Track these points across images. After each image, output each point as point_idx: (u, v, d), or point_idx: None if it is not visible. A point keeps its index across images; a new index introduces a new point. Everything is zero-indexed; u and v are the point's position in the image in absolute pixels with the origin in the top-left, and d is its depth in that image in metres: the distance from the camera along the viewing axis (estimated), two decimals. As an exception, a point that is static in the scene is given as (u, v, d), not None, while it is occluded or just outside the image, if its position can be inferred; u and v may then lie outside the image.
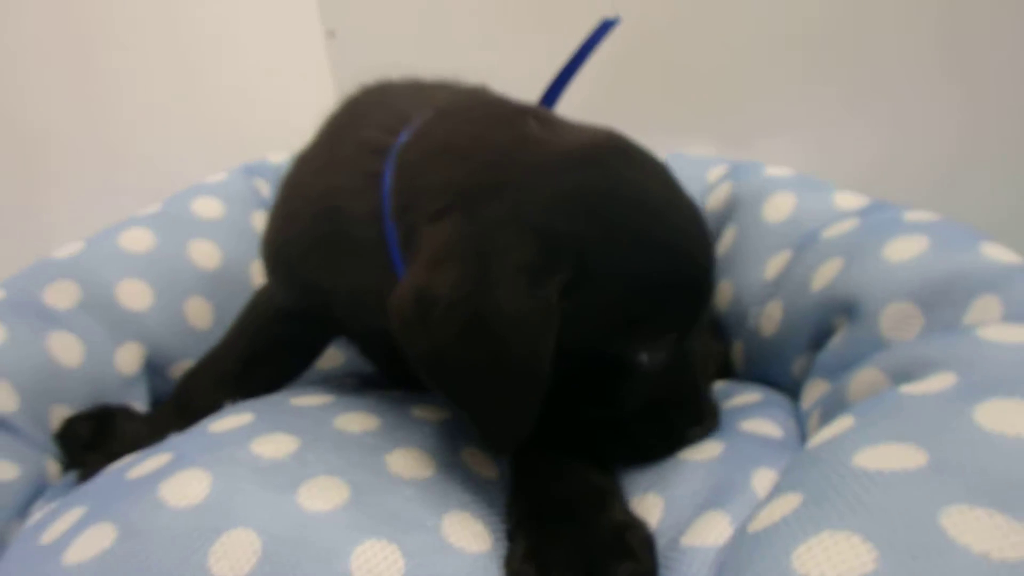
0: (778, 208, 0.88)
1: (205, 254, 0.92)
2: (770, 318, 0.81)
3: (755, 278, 0.86)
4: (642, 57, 1.26)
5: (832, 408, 0.63)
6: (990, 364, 0.49)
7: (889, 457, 0.43)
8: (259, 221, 1.04)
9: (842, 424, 0.50)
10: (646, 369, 0.56)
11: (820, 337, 0.75)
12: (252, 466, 0.49)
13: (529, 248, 0.49)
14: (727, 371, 0.86)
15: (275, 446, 0.52)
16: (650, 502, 0.56)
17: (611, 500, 0.54)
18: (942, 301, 0.64)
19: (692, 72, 1.29)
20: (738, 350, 0.86)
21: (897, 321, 0.66)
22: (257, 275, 0.97)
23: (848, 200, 0.84)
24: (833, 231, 0.79)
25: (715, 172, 1.01)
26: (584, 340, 0.52)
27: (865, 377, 0.59)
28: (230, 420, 0.56)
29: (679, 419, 0.61)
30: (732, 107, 1.28)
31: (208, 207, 0.98)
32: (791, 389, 0.78)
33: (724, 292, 0.89)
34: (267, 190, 1.10)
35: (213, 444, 0.52)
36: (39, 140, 1.24)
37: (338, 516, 0.47)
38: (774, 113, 1.25)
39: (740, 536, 0.46)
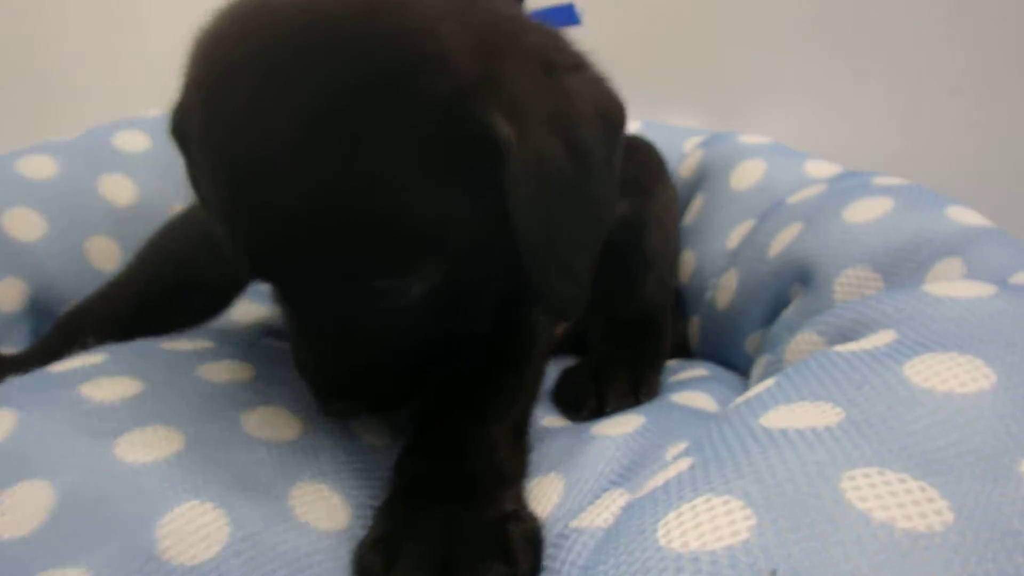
0: (747, 175, 0.81)
1: (118, 189, 0.85)
2: (726, 289, 0.74)
3: (717, 248, 0.79)
4: (628, 24, 1.19)
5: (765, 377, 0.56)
6: (933, 319, 0.42)
7: (800, 416, 0.36)
8: None
9: (761, 386, 0.43)
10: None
11: (776, 310, 0.67)
12: (74, 409, 0.43)
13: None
14: (682, 350, 0.79)
15: (111, 389, 0.46)
16: (550, 484, 0.49)
17: (502, 486, 0.46)
18: (903, 265, 0.57)
19: (678, 41, 1.22)
20: (695, 325, 0.79)
21: (853, 288, 0.59)
22: None
23: (820, 168, 0.77)
24: (798, 197, 0.72)
25: (692, 142, 0.94)
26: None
27: (802, 341, 0.52)
28: (78, 360, 0.50)
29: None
30: (718, 78, 1.20)
31: (131, 140, 0.91)
32: (745, 369, 0.71)
33: (687, 263, 0.82)
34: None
35: (41, 384, 0.46)
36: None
37: (159, 471, 0.41)
38: (762, 85, 1.17)
39: (623, 508, 0.40)
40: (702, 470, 0.35)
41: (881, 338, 0.43)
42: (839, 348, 0.44)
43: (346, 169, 0.39)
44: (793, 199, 0.72)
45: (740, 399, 0.44)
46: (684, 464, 0.38)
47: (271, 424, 0.47)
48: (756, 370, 0.65)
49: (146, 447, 0.42)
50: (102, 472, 0.40)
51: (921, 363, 0.38)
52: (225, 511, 0.40)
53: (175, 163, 0.92)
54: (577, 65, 0.49)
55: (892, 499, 0.30)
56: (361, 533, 0.44)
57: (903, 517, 0.29)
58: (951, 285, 0.46)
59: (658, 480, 0.38)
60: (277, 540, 0.40)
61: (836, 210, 0.64)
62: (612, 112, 0.49)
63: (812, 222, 0.65)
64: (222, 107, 0.41)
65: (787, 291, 0.66)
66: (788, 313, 0.64)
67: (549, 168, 0.43)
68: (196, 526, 0.38)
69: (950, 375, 0.36)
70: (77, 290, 0.73)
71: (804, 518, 0.30)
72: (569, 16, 0.58)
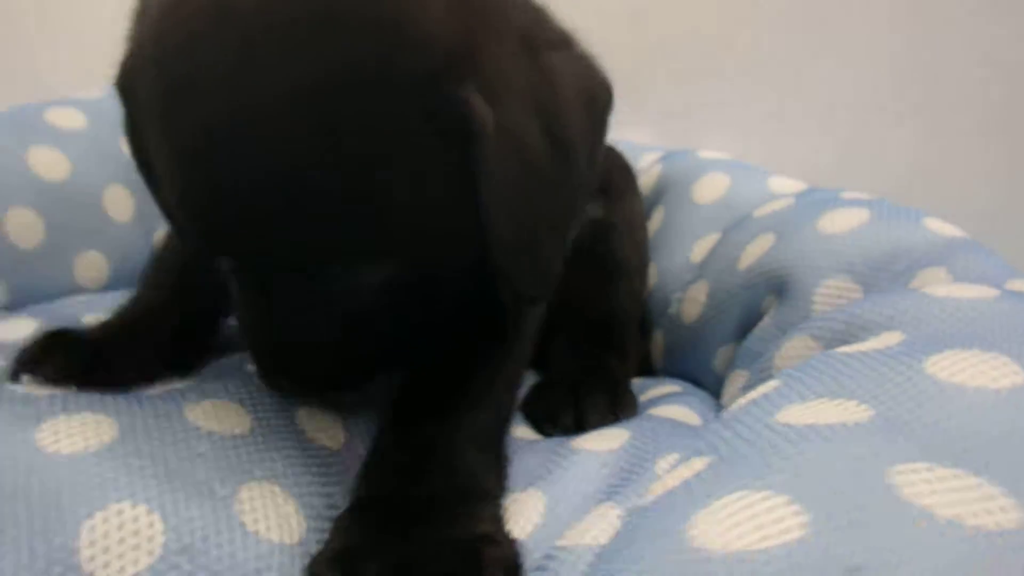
0: (710, 189, 0.80)
1: (48, 163, 0.79)
2: (694, 301, 0.71)
3: (680, 261, 0.77)
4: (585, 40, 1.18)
5: (753, 386, 0.53)
6: (941, 319, 0.41)
7: (823, 413, 0.33)
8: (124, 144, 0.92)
9: (765, 388, 0.40)
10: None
11: (747, 324, 0.66)
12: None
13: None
14: (645, 367, 0.76)
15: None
16: (529, 500, 0.44)
17: (477, 503, 0.41)
18: (882, 274, 0.56)
19: (634, 60, 1.22)
20: (658, 341, 0.77)
21: (832, 299, 0.58)
22: (111, 203, 0.86)
23: (784, 184, 0.77)
24: (765, 210, 0.71)
25: (648, 157, 0.93)
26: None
27: (794, 347, 0.50)
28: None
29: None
30: (674, 98, 1.21)
31: (67, 117, 0.85)
32: (712, 387, 0.68)
33: (652, 276, 0.79)
34: None
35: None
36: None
37: (86, 465, 0.34)
38: (717, 104, 1.19)
39: (627, 516, 0.36)
40: (727, 467, 0.32)
41: (888, 338, 0.41)
42: (845, 349, 0.42)
43: (324, 141, 0.36)
44: (760, 212, 0.71)
45: (743, 401, 0.41)
46: (698, 464, 0.34)
47: (217, 416, 0.42)
48: (732, 384, 0.63)
49: (72, 437, 0.35)
50: (18, 464, 0.33)
51: (944, 360, 0.36)
52: (159, 515, 0.34)
53: (115, 151, 0.87)
54: (561, 42, 0.47)
55: (953, 495, 0.27)
56: (316, 548, 0.38)
57: (970, 514, 0.26)
58: (950, 287, 0.45)
59: (667, 484, 0.35)
60: (222, 550, 0.34)
61: (810, 221, 0.63)
62: (597, 92, 0.47)
63: (785, 234, 0.64)
64: (192, 69, 0.37)
65: (759, 304, 0.64)
66: (764, 325, 0.62)
67: (527, 153, 0.40)
68: (125, 532, 0.32)
69: (977, 371, 0.34)
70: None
71: (861, 514, 0.26)
72: None
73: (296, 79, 0.35)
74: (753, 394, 0.41)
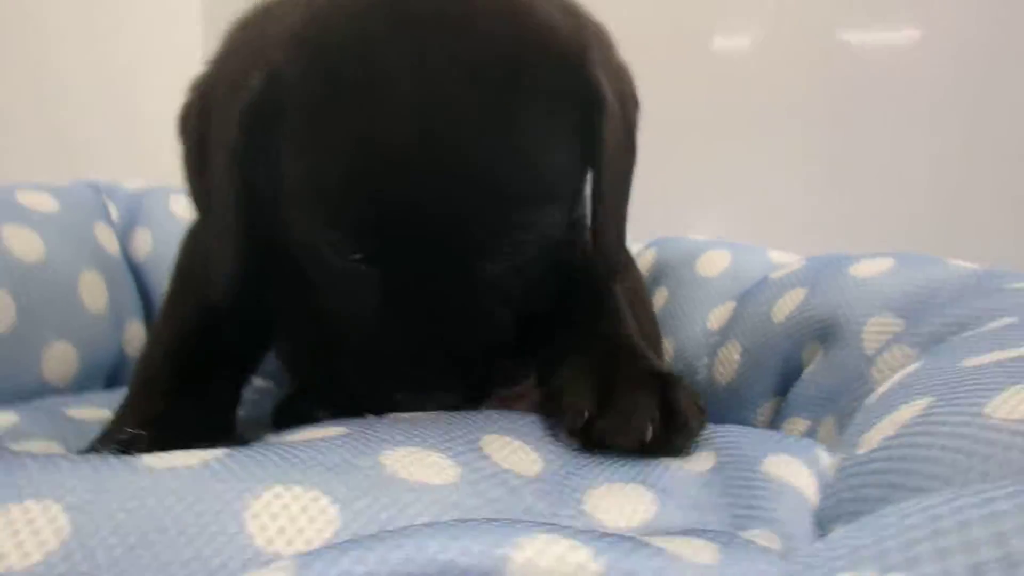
0: (713, 263, 0.84)
1: (23, 243, 0.75)
2: (727, 363, 0.73)
3: (698, 331, 0.79)
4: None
5: (848, 414, 0.54)
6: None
7: None
8: (103, 236, 0.86)
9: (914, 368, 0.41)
10: (339, 275, 0.44)
11: (788, 375, 0.68)
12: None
13: (244, 67, 0.44)
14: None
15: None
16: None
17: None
18: (924, 307, 0.60)
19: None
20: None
21: (880, 335, 0.61)
22: (86, 290, 0.81)
23: (784, 256, 0.83)
24: (780, 274, 0.76)
25: (635, 247, 0.98)
26: (270, 186, 0.44)
27: (892, 359, 0.52)
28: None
29: (383, 373, 0.45)
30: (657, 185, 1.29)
31: (38, 200, 0.81)
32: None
33: (666, 350, 0.81)
34: (116, 213, 0.94)
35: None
36: None
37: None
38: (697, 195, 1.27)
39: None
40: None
41: (999, 323, 0.45)
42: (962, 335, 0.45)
43: (505, 121, 0.40)
44: (776, 275, 0.76)
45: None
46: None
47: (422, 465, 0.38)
48: (823, 428, 0.63)
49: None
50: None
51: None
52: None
53: (88, 238, 0.82)
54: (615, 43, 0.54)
55: None
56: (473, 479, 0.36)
57: None
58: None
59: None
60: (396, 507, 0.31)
61: (841, 271, 0.68)
62: (636, 92, 0.55)
63: (818, 285, 0.68)
64: (365, 79, 0.40)
65: (799, 353, 0.67)
66: (814, 372, 0.64)
67: (621, 131, 0.48)
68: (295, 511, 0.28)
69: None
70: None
71: None
72: None
73: (478, 75, 0.40)
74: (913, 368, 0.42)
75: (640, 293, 0.78)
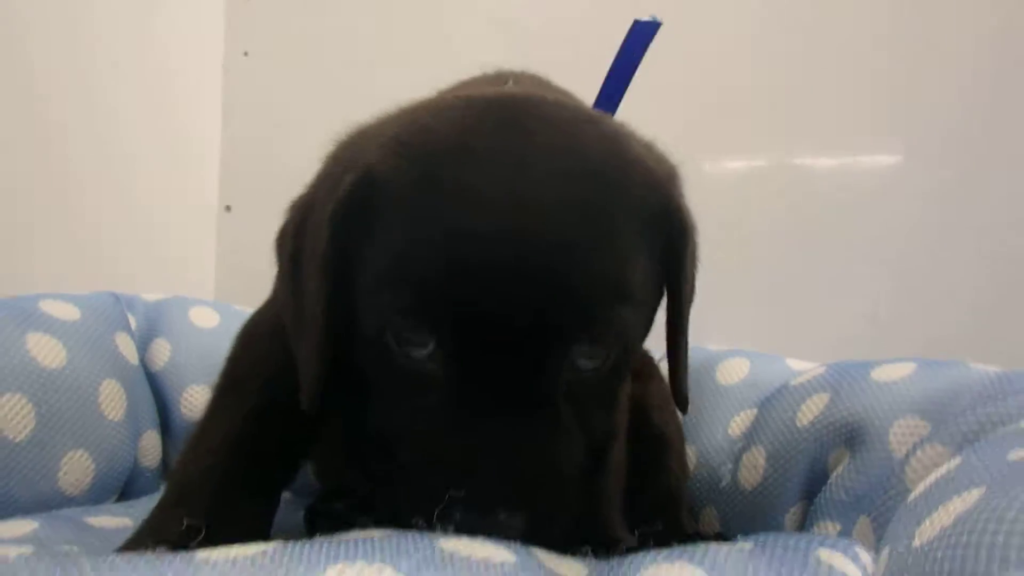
0: (732, 372, 0.85)
1: (46, 350, 0.76)
2: (752, 468, 0.73)
3: (720, 438, 0.79)
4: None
5: (883, 514, 0.54)
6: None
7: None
8: (124, 345, 0.87)
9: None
10: (403, 373, 0.43)
11: (814, 478, 0.68)
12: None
13: (339, 166, 0.47)
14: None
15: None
16: None
17: None
18: (948, 409, 0.61)
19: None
20: (711, 516, 0.76)
21: (906, 437, 0.62)
22: (106, 398, 0.81)
23: (802, 364, 0.84)
24: (801, 380, 0.77)
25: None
26: (352, 287, 0.44)
27: (925, 457, 0.52)
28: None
29: (432, 484, 0.40)
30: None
31: (62, 310, 0.83)
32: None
33: (689, 457, 0.80)
34: (135, 323, 0.95)
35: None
36: None
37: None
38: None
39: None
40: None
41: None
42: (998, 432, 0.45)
43: (593, 234, 0.42)
44: (796, 382, 0.77)
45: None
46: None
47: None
48: (857, 529, 0.62)
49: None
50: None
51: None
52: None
53: (109, 347, 0.83)
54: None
55: None
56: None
57: None
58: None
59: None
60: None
61: (863, 376, 0.69)
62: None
63: (841, 390, 0.69)
64: (462, 173, 0.42)
65: (826, 456, 0.67)
66: (842, 475, 0.64)
67: (695, 264, 0.51)
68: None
69: None
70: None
71: None
72: (651, 27, 0.66)
73: (579, 188, 0.42)
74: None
75: (665, 398, 0.78)
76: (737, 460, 0.75)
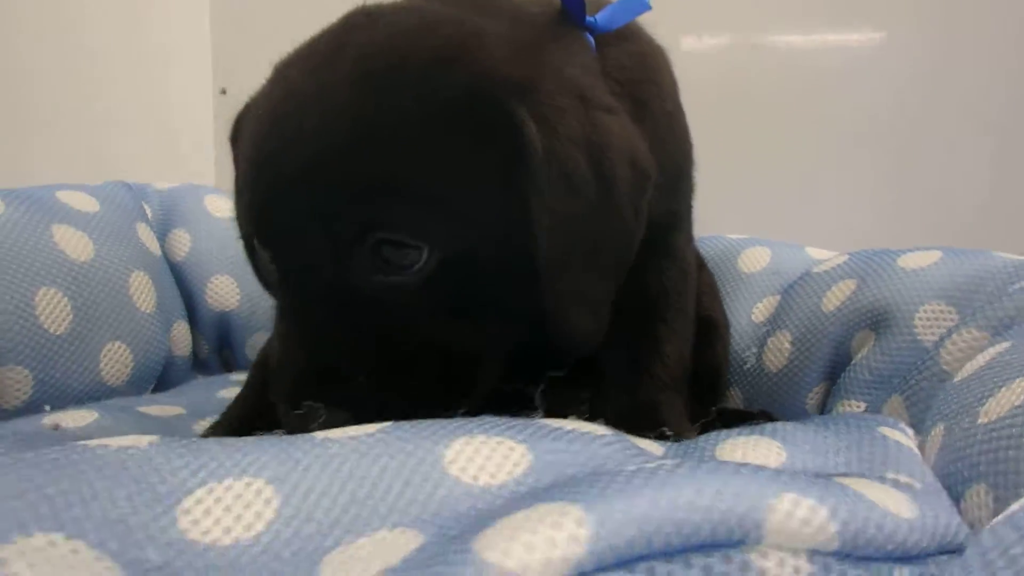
0: (754, 260, 0.87)
1: (74, 243, 0.76)
2: (778, 351, 0.76)
3: (744, 323, 0.82)
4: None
5: (916, 394, 0.57)
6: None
7: None
8: (145, 236, 0.87)
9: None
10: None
11: (837, 361, 0.71)
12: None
13: None
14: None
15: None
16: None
17: None
18: (976, 296, 0.64)
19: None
20: (734, 397, 0.80)
21: (931, 322, 0.65)
22: (136, 291, 0.81)
23: (821, 253, 0.86)
24: (824, 267, 0.79)
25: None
26: None
27: (961, 340, 0.55)
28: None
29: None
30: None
31: (79, 200, 0.82)
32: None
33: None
34: (151, 212, 0.94)
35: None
36: None
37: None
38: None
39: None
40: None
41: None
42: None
43: (377, 122, 0.42)
44: (818, 270, 0.79)
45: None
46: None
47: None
48: (888, 407, 0.66)
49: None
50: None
51: None
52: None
53: (131, 235, 0.83)
54: (611, 108, 0.51)
55: None
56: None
57: None
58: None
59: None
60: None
61: (890, 263, 0.71)
62: (641, 161, 0.50)
63: (868, 276, 0.71)
64: (274, 90, 0.46)
65: (850, 340, 0.70)
66: (867, 357, 0.67)
67: (574, 184, 0.44)
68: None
69: None
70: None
71: None
72: (635, 3, 0.59)
73: (367, 68, 0.43)
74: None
75: (714, 287, 0.82)
76: (761, 344, 0.79)
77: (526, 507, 0.26)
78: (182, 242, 0.95)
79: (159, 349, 0.84)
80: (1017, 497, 0.31)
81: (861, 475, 0.38)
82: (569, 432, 0.36)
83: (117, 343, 0.78)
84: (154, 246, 0.91)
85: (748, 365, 0.79)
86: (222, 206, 0.99)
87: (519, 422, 0.37)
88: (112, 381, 0.77)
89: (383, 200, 0.42)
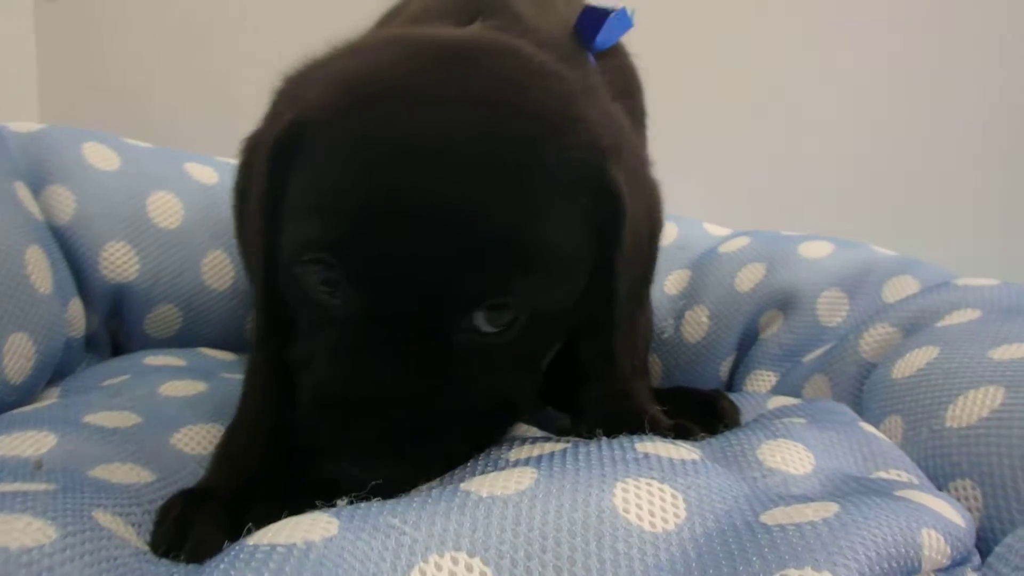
0: (665, 234, 0.97)
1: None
2: (696, 324, 0.87)
3: (658, 295, 0.92)
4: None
5: (840, 376, 0.70)
6: (1001, 297, 0.63)
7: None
8: (25, 197, 0.76)
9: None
10: (312, 306, 0.43)
11: (746, 336, 0.84)
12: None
13: (284, 103, 0.48)
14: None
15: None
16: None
17: None
18: (862, 284, 0.79)
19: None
20: (654, 364, 0.90)
21: (829, 306, 0.79)
22: (36, 272, 0.71)
23: (715, 229, 0.98)
24: (729, 247, 0.90)
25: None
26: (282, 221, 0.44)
27: (876, 333, 0.68)
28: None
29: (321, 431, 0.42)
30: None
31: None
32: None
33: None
34: (20, 160, 0.80)
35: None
36: None
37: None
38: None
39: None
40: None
41: (966, 315, 0.62)
42: (941, 324, 0.62)
43: (512, 185, 0.41)
44: (725, 249, 0.91)
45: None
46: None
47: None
48: (755, 383, 0.79)
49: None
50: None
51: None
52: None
53: (9, 195, 0.70)
54: (650, 162, 0.57)
55: None
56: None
57: None
58: (964, 280, 0.68)
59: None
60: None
61: (792, 251, 0.84)
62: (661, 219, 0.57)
63: (775, 262, 0.84)
64: (395, 122, 0.41)
65: (758, 317, 0.83)
66: (775, 334, 0.81)
67: (640, 238, 0.49)
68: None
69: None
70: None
71: None
72: (623, 21, 0.62)
73: (498, 137, 0.41)
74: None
75: None
76: (679, 316, 0.89)
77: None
78: (64, 202, 0.81)
79: (59, 335, 0.75)
80: (1005, 492, 0.43)
81: (867, 475, 0.48)
82: (664, 458, 0.41)
83: (19, 334, 0.68)
84: (35, 209, 0.79)
85: (667, 335, 0.89)
86: (108, 157, 0.86)
87: (620, 449, 0.42)
88: (15, 379, 0.68)
89: (513, 266, 0.41)
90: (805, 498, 0.42)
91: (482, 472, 0.40)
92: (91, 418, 0.58)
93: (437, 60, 0.44)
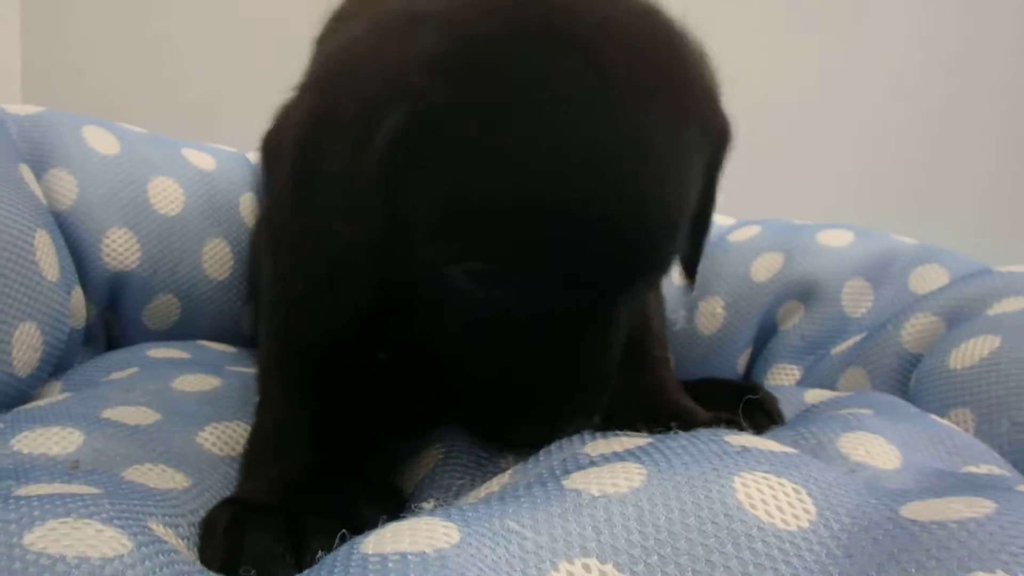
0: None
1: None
2: (711, 315, 0.83)
3: (666, 287, 0.88)
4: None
5: (880, 368, 0.67)
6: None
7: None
8: (30, 180, 0.69)
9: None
10: (473, 302, 0.42)
11: (764, 327, 0.80)
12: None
13: (369, 91, 0.40)
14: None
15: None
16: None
17: None
18: (885, 274, 0.76)
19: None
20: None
21: (854, 296, 0.76)
22: (44, 259, 0.66)
23: (721, 218, 0.95)
24: (739, 236, 0.87)
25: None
26: (409, 226, 0.41)
27: (917, 323, 0.65)
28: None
29: (551, 402, 0.44)
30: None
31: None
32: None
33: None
34: (21, 143, 0.76)
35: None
36: None
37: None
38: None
39: None
40: None
41: (1020, 303, 0.60)
42: (991, 312, 0.59)
43: (680, 171, 0.42)
44: (735, 238, 0.87)
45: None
46: None
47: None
48: (778, 377, 0.76)
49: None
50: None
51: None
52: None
53: (14, 177, 0.62)
54: None
55: None
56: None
57: None
58: (1007, 267, 0.66)
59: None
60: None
61: (811, 239, 0.81)
62: None
63: (793, 252, 0.81)
64: (551, 112, 0.39)
65: (778, 307, 0.80)
66: (797, 325, 0.77)
67: None
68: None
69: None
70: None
71: None
72: None
73: (650, 100, 0.41)
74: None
75: None
76: (692, 307, 0.85)
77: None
78: (65, 186, 0.77)
79: (63, 325, 0.69)
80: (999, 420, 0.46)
81: (957, 470, 0.45)
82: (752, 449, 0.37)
83: (28, 324, 0.62)
84: (39, 192, 0.72)
85: (678, 327, 0.85)
86: (108, 141, 0.79)
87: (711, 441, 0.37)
88: (23, 372, 0.62)
89: (679, 235, 0.43)
90: (912, 494, 0.38)
91: (576, 468, 0.35)
92: (110, 413, 0.54)
93: (566, 38, 0.40)
